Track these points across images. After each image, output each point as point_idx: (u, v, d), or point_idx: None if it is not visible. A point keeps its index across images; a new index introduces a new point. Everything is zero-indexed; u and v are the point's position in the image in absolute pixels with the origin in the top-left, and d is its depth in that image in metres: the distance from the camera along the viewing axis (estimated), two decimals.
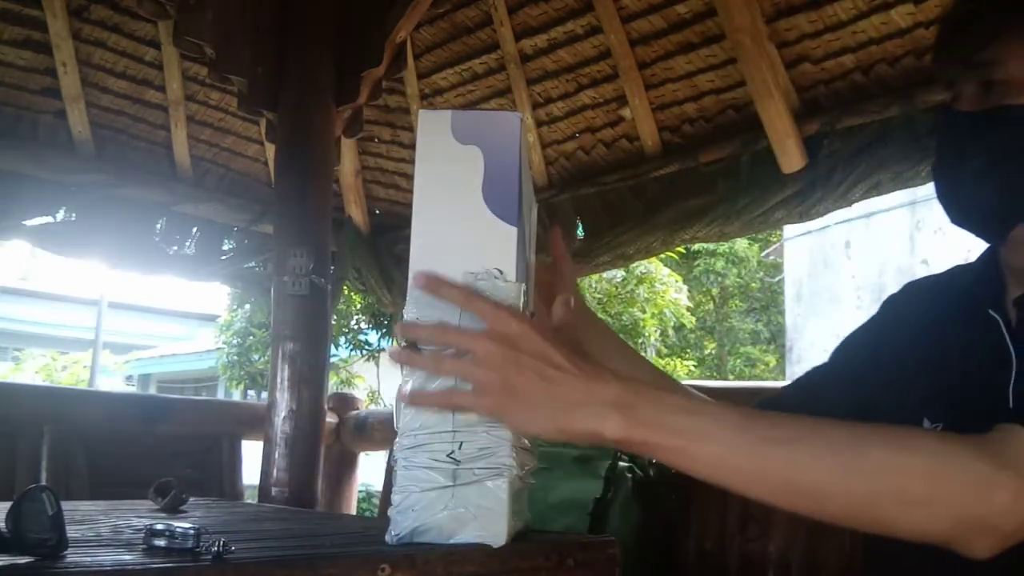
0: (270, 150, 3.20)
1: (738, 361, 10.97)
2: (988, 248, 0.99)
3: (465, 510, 0.78)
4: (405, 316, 0.79)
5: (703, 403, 0.78)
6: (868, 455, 0.73)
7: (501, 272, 0.79)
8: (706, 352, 11.16)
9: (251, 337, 9.02)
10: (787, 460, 0.73)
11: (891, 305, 1.09)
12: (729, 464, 0.74)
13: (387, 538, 0.80)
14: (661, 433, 0.73)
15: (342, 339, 7.72)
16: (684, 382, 1.32)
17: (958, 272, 1.04)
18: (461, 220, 0.80)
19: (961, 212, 0.92)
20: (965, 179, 0.90)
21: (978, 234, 0.95)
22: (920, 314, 1.03)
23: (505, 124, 0.82)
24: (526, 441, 0.85)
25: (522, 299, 0.79)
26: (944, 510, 0.71)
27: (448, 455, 0.78)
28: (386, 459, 3.13)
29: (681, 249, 7.44)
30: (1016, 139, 0.86)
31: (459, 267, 0.79)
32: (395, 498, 0.79)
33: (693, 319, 9.38)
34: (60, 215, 3.07)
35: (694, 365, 9.82)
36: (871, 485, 0.72)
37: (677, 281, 8.48)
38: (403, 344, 0.78)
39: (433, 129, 0.82)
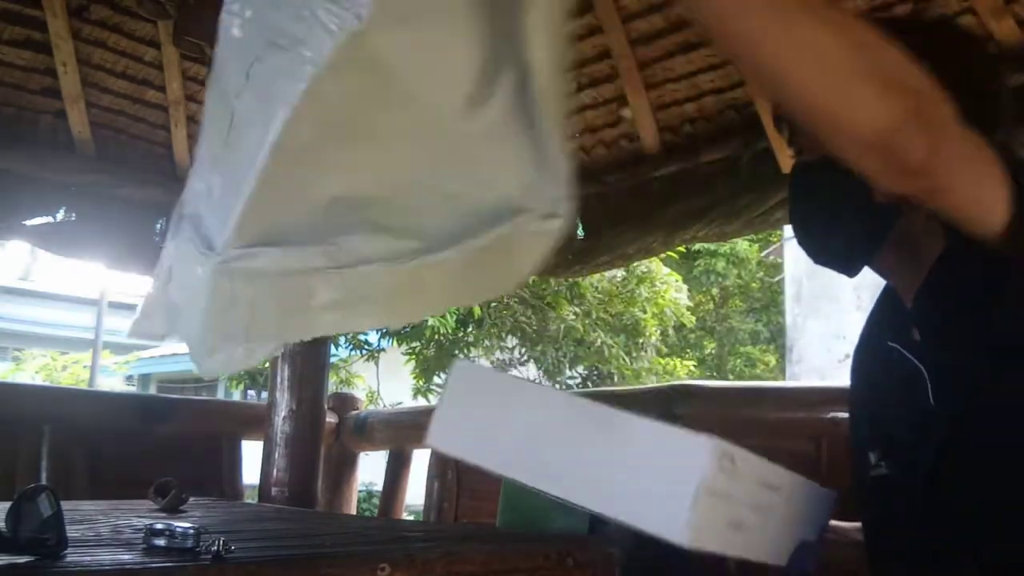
0: None
1: (738, 361, 10.95)
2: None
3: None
4: None
5: None
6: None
7: None
8: (706, 352, 11.14)
9: None
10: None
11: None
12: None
13: None
14: None
15: (342, 339, 7.71)
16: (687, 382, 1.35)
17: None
18: None
19: (818, 253, 1.00)
20: (816, 224, 0.99)
21: (838, 271, 1.01)
22: (858, 358, 1.09)
23: None
24: None
25: None
26: (899, 96, 0.68)
27: None
28: (385, 458, 3.13)
29: (681, 249, 7.43)
30: (850, 184, 0.84)
31: None
32: None
33: (693, 319, 9.36)
34: (60, 215, 3.06)
35: (694, 365, 9.80)
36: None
37: (677, 281, 8.47)
38: None
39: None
